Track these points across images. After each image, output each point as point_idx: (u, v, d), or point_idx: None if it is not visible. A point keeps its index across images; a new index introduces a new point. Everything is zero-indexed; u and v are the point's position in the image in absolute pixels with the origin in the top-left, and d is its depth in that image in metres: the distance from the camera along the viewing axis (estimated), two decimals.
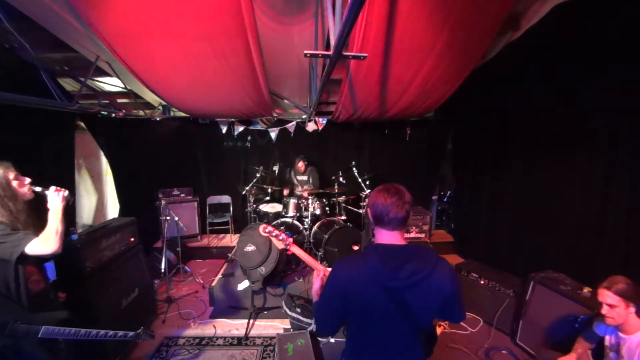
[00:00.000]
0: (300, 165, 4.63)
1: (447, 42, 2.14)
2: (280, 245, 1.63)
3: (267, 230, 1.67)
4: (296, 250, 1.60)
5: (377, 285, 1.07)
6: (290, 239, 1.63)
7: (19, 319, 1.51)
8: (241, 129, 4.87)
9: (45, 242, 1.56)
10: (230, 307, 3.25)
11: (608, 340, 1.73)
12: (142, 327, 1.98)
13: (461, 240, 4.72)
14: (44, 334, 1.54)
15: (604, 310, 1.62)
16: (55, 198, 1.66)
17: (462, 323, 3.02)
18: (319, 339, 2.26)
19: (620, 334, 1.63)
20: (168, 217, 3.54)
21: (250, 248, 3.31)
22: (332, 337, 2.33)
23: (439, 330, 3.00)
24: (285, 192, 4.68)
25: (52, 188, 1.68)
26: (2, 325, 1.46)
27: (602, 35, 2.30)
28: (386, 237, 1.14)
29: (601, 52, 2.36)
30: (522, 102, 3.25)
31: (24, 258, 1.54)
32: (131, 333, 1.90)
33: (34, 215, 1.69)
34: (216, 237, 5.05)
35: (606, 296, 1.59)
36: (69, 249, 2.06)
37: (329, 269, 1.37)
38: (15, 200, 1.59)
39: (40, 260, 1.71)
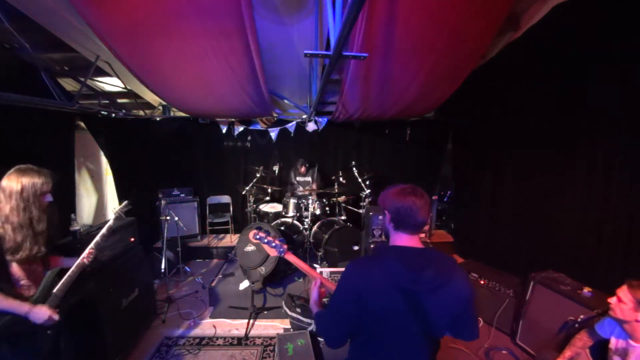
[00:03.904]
0: (302, 170, 4.65)
1: (447, 42, 2.14)
2: (273, 252, 1.48)
3: (257, 237, 1.48)
4: (291, 258, 1.47)
5: (394, 288, 1.02)
6: (285, 246, 1.47)
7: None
8: (241, 129, 4.87)
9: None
10: (230, 307, 3.25)
11: (614, 343, 1.71)
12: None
13: (461, 240, 4.71)
14: None
15: (612, 300, 1.61)
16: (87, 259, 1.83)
17: None
18: (320, 339, 2.26)
19: (631, 342, 1.62)
20: (168, 217, 3.54)
21: (250, 248, 3.31)
22: None
23: None
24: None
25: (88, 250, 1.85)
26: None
27: (602, 35, 2.30)
28: (404, 240, 1.09)
29: (601, 51, 2.36)
30: (522, 102, 3.25)
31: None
32: None
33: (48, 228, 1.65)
34: (216, 237, 5.05)
35: (623, 291, 1.58)
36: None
37: (326, 277, 1.30)
38: (40, 211, 1.57)
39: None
